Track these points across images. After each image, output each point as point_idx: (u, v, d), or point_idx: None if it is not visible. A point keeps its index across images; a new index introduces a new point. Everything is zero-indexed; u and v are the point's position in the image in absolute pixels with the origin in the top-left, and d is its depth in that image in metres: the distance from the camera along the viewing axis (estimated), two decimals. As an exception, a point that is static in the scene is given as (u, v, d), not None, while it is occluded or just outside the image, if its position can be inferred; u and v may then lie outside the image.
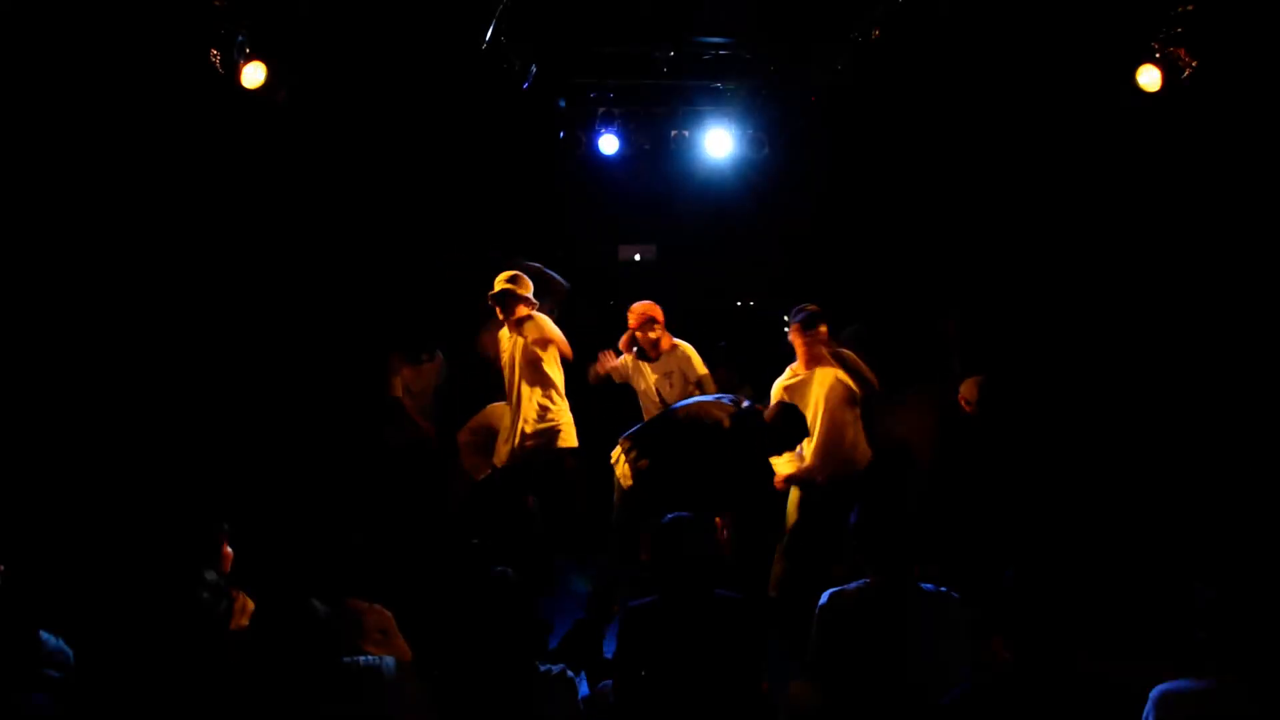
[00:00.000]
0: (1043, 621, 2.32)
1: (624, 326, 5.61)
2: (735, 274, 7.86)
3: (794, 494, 4.93)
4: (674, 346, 5.54)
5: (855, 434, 4.91)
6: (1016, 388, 5.90)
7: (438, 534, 5.22)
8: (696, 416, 4.53)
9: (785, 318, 5.36)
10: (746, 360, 6.33)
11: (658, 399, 5.48)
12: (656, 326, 5.47)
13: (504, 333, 5.31)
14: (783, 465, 4.87)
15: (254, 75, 4.73)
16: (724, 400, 4.62)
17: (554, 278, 5.71)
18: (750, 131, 6.68)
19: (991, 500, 5.14)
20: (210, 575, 3.13)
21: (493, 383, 5.52)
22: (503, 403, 5.41)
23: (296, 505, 4.93)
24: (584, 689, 3.26)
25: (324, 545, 3.29)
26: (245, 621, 3.32)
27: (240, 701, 2.46)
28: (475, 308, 5.43)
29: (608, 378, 5.67)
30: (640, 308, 5.52)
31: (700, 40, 5.82)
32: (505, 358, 5.30)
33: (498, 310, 5.15)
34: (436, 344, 6.12)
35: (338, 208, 6.55)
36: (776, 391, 4.96)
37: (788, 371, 5.00)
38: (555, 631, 4.16)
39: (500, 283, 5.14)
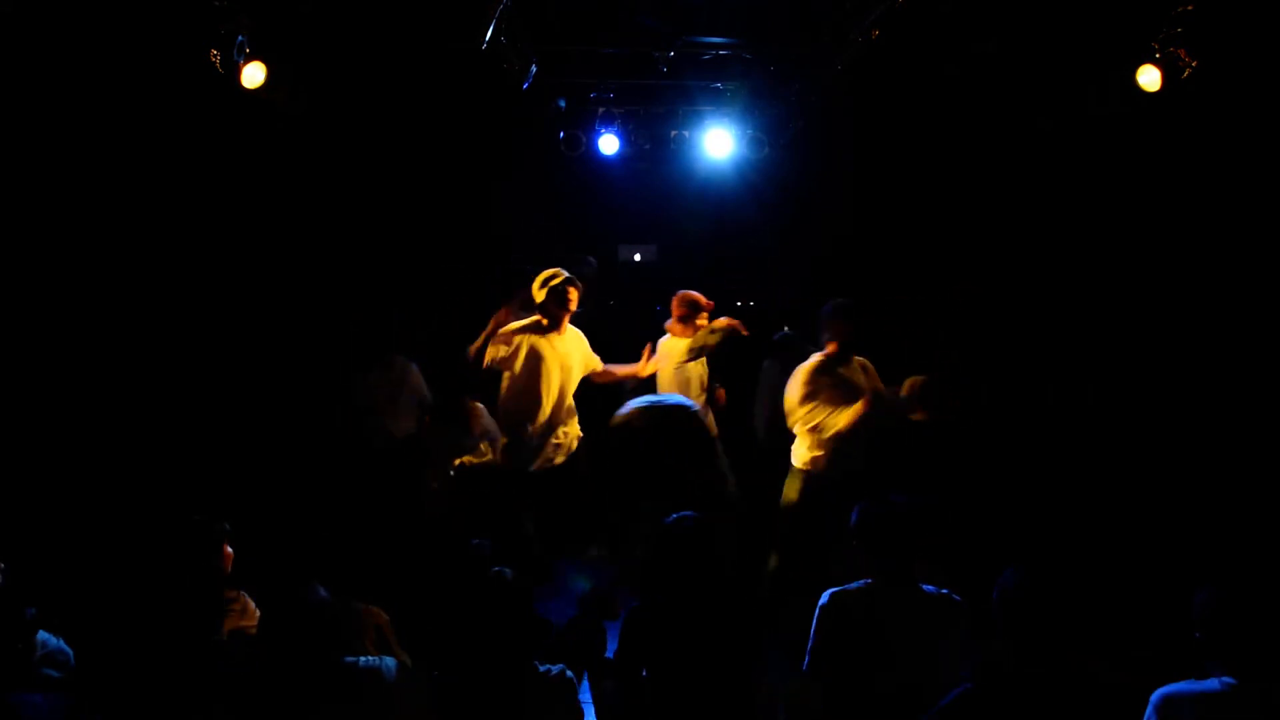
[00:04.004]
0: (1042, 621, 2.32)
1: (622, 327, 5.60)
2: (735, 274, 7.86)
3: (792, 487, 4.90)
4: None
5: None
6: (1016, 387, 5.90)
7: (436, 534, 5.21)
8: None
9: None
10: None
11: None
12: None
13: (526, 339, 5.11)
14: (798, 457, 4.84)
15: (254, 75, 4.73)
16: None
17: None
18: (750, 131, 6.68)
19: (991, 500, 5.14)
20: (208, 575, 3.13)
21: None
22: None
23: (295, 505, 4.93)
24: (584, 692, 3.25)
25: (321, 546, 3.29)
26: (244, 622, 3.32)
27: (241, 701, 2.46)
28: (468, 309, 5.40)
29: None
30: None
31: (700, 40, 5.82)
32: (547, 364, 5.11)
33: (556, 310, 5.04)
34: (392, 350, 5.73)
35: (336, 208, 6.56)
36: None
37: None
38: (555, 631, 4.16)
39: (544, 286, 5.03)
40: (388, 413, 5.47)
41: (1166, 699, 2.22)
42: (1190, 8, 4.70)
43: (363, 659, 2.50)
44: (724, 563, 3.07)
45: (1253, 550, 4.39)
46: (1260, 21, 4.66)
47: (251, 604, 3.44)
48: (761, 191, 7.22)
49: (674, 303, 5.65)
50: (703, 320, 5.51)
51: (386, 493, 5.42)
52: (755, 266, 7.73)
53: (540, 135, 6.82)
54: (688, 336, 5.52)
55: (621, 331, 5.69)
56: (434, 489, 5.38)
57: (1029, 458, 5.59)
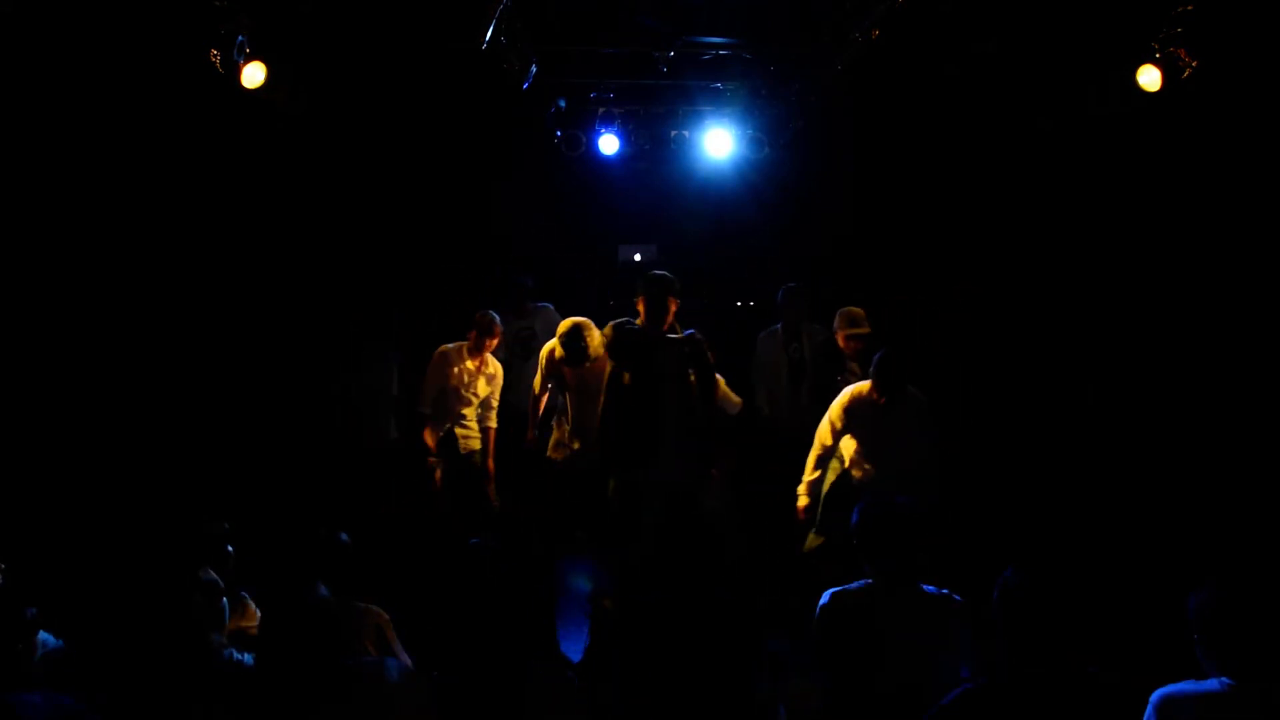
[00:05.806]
0: (1042, 621, 2.32)
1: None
2: (735, 274, 7.85)
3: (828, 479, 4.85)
4: None
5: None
6: (1016, 388, 5.90)
7: (435, 534, 5.22)
8: None
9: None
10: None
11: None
12: None
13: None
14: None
15: (254, 75, 4.73)
16: None
17: None
18: (750, 131, 6.68)
19: (991, 500, 5.14)
20: (208, 575, 3.13)
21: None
22: None
23: (295, 506, 4.94)
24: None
25: (320, 546, 3.29)
26: (244, 622, 3.32)
27: (241, 701, 2.46)
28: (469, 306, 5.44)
29: None
30: None
31: (700, 40, 5.82)
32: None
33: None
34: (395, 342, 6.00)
35: (336, 208, 6.56)
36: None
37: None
38: (555, 631, 4.15)
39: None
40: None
41: (1166, 699, 2.22)
42: (1190, 8, 4.69)
43: (363, 659, 2.50)
44: (722, 562, 3.07)
45: (1251, 550, 4.39)
46: (1260, 21, 4.66)
47: (251, 604, 3.44)
48: (761, 191, 7.21)
49: None
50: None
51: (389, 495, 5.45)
52: (755, 266, 7.72)
53: (540, 135, 6.83)
54: None
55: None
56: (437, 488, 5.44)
57: (1029, 458, 5.59)
